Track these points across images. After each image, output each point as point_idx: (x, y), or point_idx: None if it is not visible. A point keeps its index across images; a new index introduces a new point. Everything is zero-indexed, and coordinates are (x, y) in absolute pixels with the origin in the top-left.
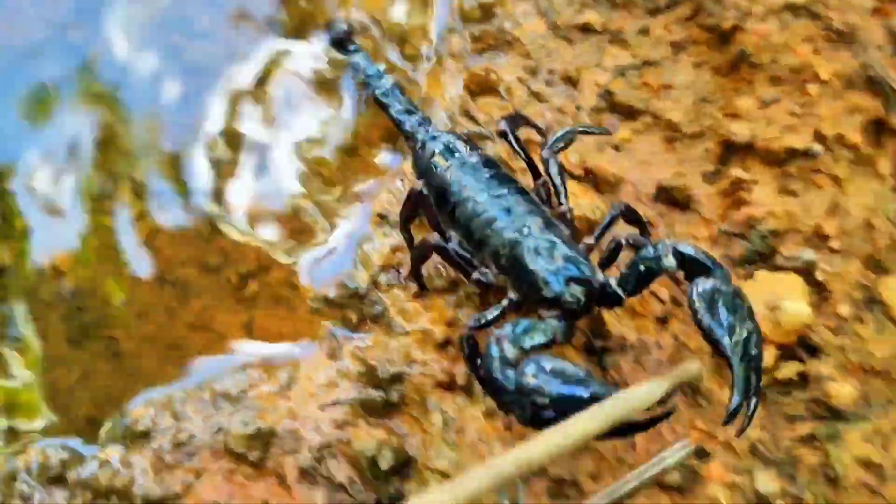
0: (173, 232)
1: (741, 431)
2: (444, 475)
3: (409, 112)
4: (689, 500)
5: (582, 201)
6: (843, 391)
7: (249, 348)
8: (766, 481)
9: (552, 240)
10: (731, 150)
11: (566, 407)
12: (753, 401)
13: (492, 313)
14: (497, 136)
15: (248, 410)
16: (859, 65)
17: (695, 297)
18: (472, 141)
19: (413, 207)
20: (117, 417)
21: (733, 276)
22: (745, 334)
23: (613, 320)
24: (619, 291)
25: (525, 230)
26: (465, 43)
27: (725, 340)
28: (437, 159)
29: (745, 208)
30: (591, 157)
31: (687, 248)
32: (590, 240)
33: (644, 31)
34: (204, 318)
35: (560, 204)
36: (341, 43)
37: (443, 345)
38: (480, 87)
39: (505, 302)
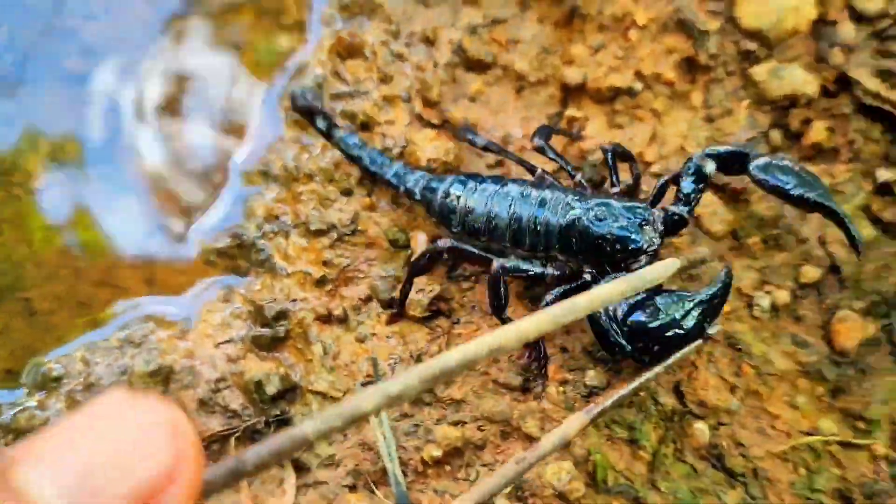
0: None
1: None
2: (324, 395)
3: (388, 164)
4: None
5: (437, 143)
6: None
7: (151, 300)
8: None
9: (601, 202)
10: (568, 94)
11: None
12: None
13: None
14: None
15: (149, 352)
16: (672, 10)
17: (760, 175)
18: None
19: (430, 265)
20: (34, 367)
21: None
22: (819, 188)
23: None
24: (684, 213)
25: (571, 208)
26: (334, 10)
27: (815, 196)
28: (451, 198)
29: (578, 143)
30: (447, 106)
31: (717, 149)
32: (613, 188)
33: None
34: (109, 275)
35: (573, 176)
36: (311, 114)
37: (320, 282)
38: (348, 50)
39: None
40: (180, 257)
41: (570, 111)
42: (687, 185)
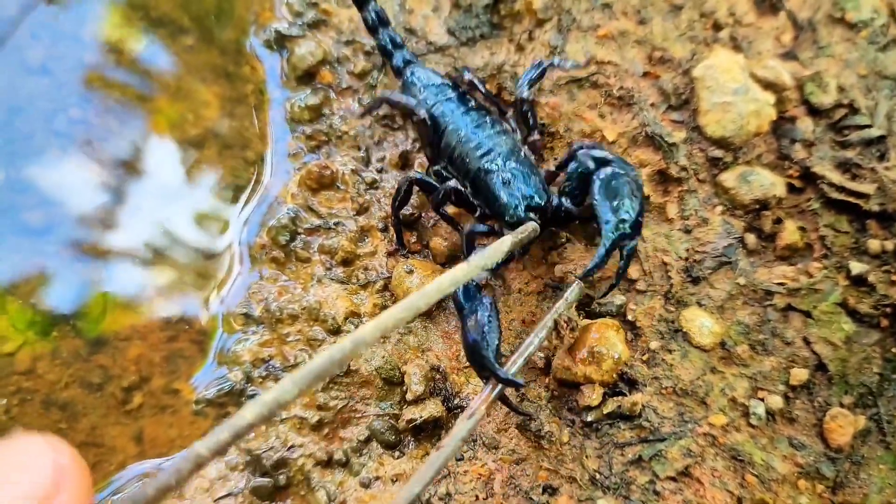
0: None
1: (606, 292)
2: None
3: (398, 47)
4: None
5: (421, 274)
6: (660, 413)
7: (142, 458)
8: None
9: (517, 171)
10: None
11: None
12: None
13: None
14: (466, 85)
15: None
16: (638, 124)
17: (595, 182)
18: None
19: (408, 191)
20: None
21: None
22: (624, 214)
23: None
24: (573, 209)
25: (497, 161)
26: (300, 142)
27: (608, 216)
28: (427, 94)
29: (560, 265)
30: (426, 233)
31: (597, 151)
32: (551, 166)
33: None
34: (94, 435)
35: (531, 134)
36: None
37: (316, 426)
38: (318, 182)
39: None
40: (169, 409)
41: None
42: (576, 181)
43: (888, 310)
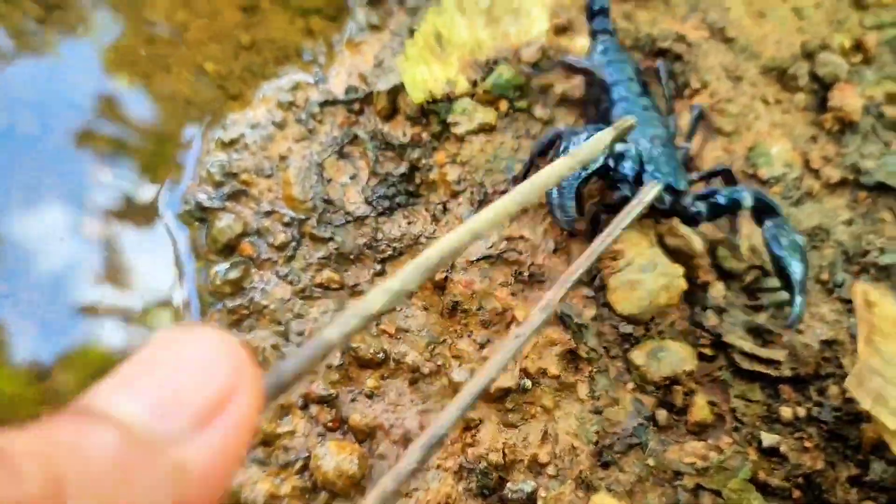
0: None
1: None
2: None
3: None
4: None
5: (343, 455)
6: None
7: None
8: None
9: (668, 153)
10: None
11: None
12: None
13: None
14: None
15: None
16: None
17: (767, 234)
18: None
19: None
20: None
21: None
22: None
23: None
24: (701, 213)
25: (652, 142)
26: (222, 317)
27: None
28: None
29: (474, 447)
30: (345, 408)
31: (762, 195)
32: (693, 175)
33: (379, 279)
34: None
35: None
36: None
37: None
38: None
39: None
40: None
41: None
42: (719, 200)
43: (800, 480)
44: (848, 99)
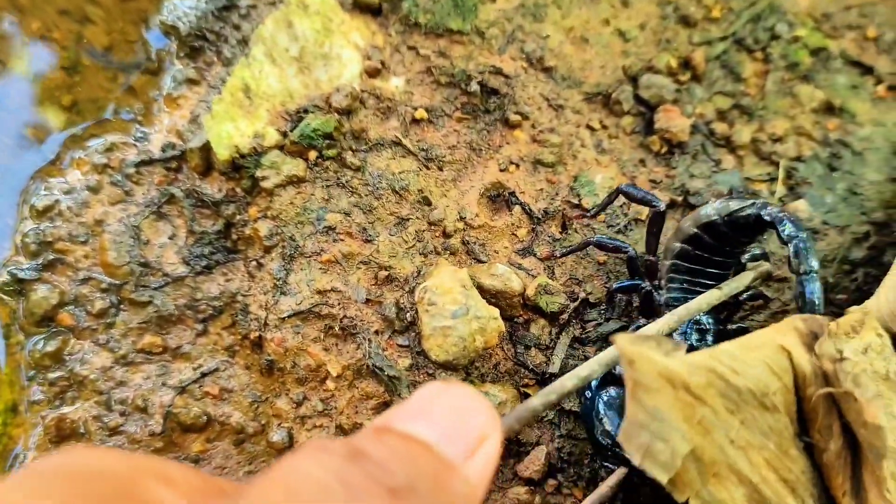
0: None
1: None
2: None
3: None
4: None
5: None
6: None
7: None
8: None
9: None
10: (280, 452)
11: None
12: None
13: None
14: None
15: None
16: (362, 355)
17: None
18: None
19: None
20: None
21: None
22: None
23: None
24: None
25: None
26: (44, 390)
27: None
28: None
29: None
30: None
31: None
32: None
33: (201, 340)
34: None
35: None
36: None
37: None
38: (61, 434)
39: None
40: None
41: None
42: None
43: None
44: (674, 120)
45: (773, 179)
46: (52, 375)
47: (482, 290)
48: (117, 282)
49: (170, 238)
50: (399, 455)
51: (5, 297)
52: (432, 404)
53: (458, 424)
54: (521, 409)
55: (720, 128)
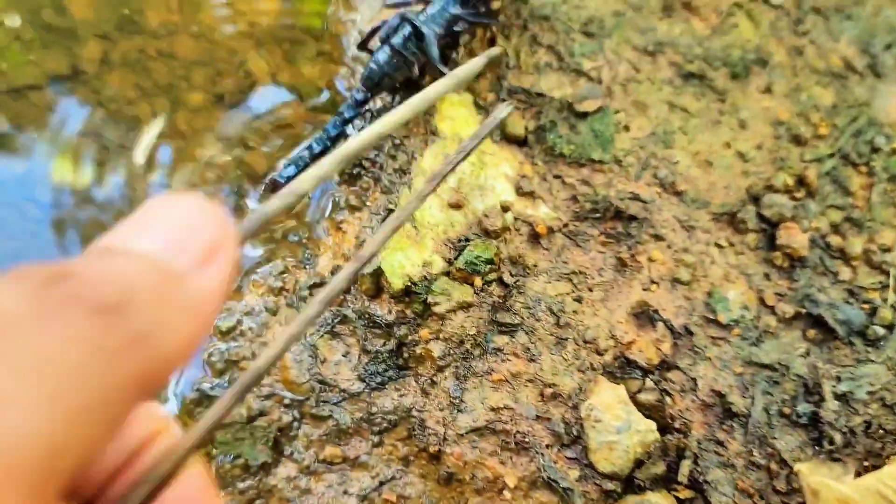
0: None
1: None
2: None
3: None
4: None
5: None
6: None
7: None
8: None
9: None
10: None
11: None
12: None
13: None
14: None
15: None
16: (536, 468)
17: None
18: None
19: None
20: None
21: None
22: None
23: None
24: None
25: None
26: (234, 497)
27: None
28: None
29: None
30: None
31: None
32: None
33: (377, 450)
34: None
35: None
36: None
37: None
38: None
39: None
40: None
41: None
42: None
43: None
44: (795, 237)
45: (884, 287)
46: (241, 485)
47: (638, 404)
48: (300, 397)
49: (343, 356)
50: (114, 271)
51: (191, 411)
52: (156, 218)
53: (186, 235)
54: (256, 213)
55: (835, 240)
